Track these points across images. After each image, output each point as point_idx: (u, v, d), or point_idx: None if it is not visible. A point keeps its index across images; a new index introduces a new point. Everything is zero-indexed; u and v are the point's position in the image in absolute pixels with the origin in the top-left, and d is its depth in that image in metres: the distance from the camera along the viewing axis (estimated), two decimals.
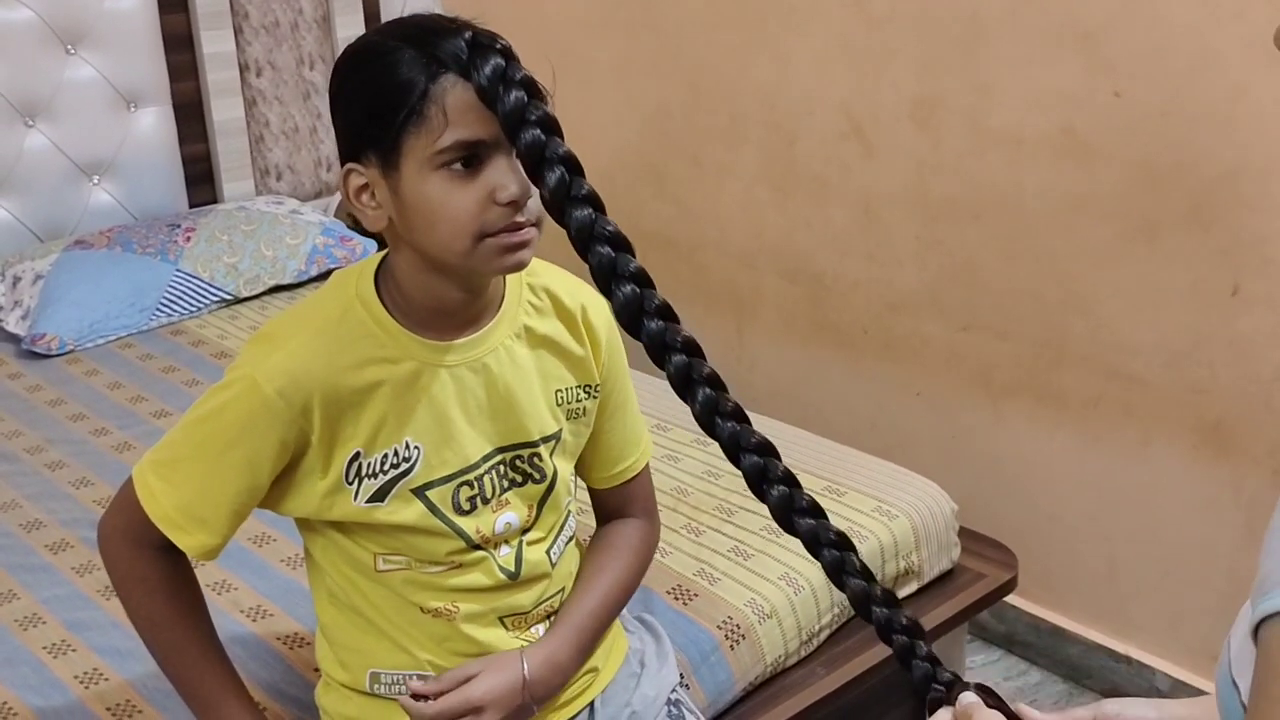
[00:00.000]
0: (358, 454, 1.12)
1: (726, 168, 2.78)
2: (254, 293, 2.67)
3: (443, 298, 1.11)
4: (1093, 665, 2.32)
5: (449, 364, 1.13)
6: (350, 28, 3.08)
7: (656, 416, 2.07)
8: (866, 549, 1.70)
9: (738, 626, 1.54)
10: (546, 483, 1.21)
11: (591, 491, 1.35)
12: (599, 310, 1.23)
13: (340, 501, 1.13)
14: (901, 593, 1.75)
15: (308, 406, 1.08)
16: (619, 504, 1.33)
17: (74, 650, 1.53)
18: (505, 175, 1.03)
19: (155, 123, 2.86)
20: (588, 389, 1.24)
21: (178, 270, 2.60)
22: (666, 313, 0.95)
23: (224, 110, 2.94)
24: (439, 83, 1.00)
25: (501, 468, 1.18)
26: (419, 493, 1.14)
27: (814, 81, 2.55)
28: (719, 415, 0.94)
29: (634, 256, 0.95)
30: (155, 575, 1.17)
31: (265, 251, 2.69)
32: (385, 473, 1.13)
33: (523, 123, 0.94)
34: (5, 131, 2.67)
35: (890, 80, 2.41)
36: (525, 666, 1.18)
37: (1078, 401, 2.25)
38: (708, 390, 0.94)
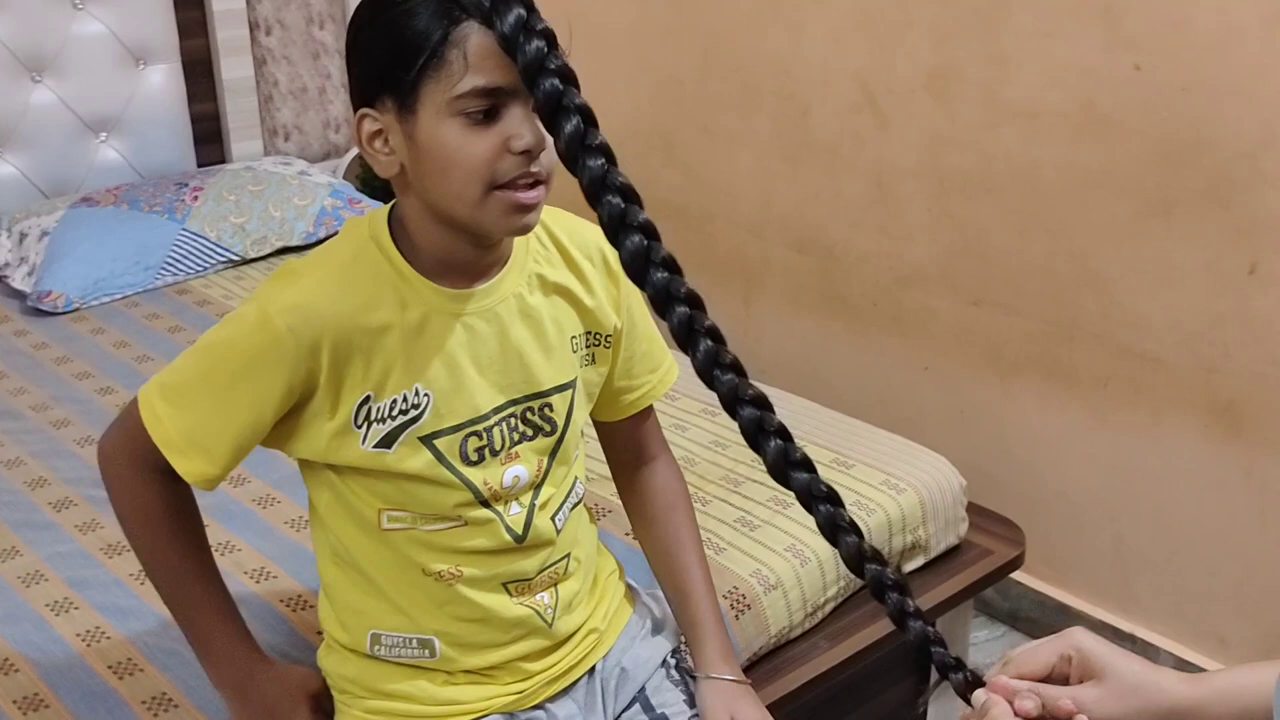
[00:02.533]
0: (368, 398, 1.12)
1: (738, 137, 2.75)
2: (261, 254, 2.65)
3: (452, 249, 1.11)
4: None
5: (460, 312, 1.13)
6: None
7: None
8: (874, 523, 1.69)
9: (743, 597, 1.54)
10: (557, 434, 1.21)
11: (608, 432, 1.35)
12: (609, 259, 1.23)
13: (348, 444, 1.12)
14: (908, 567, 1.74)
15: (316, 345, 1.08)
16: (641, 442, 1.35)
17: (76, 608, 1.52)
18: (521, 124, 1.03)
19: (164, 80, 2.84)
20: (600, 336, 1.24)
21: (184, 229, 2.58)
22: (671, 265, 0.94)
23: (233, 69, 2.92)
24: (460, 28, 1.00)
25: (513, 420, 1.18)
26: (427, 441, 1.13)
27: (829, 51, 2.52)
28: (719, 367, 0.93)
29: (643, 209, 0.94)
30: (155, 498, 1.16)
31: (273, 212, 2.67)
32: (394, 418, 1.12)
33: (542, 70, 0.94)
34: (12, 86, 2.65)
35: (906, 51, 2.38)
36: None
37: (1088, 379, 2.23)
38: (708, 342, 0.93)
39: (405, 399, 1.12)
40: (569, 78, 0.94)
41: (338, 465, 1.15)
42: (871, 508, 1.72)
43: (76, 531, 1.69)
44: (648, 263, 0.93)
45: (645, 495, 1.37)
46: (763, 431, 0.95)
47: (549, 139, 1.02)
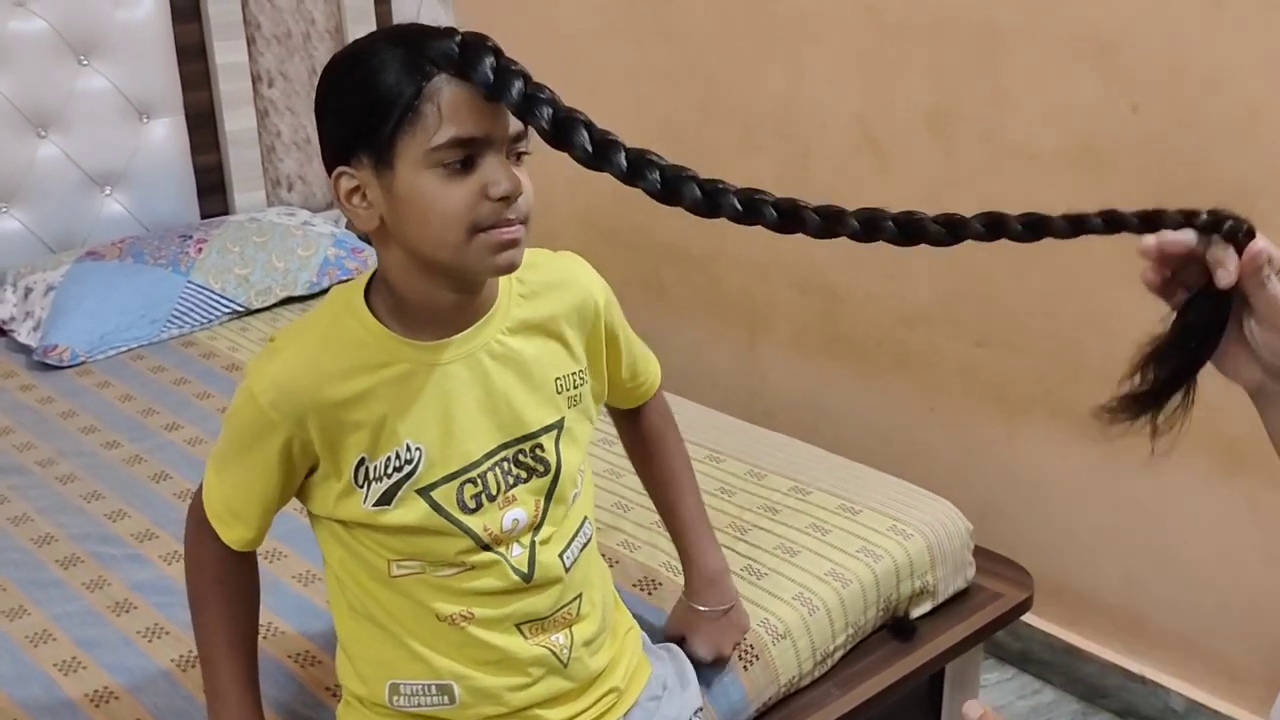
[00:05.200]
0: (363, 459, 1.14)
1: (739, 178, 2.75)
2: (265, 304, 2.66)
3: (435, 299, 1.13)
4: (1108, 684, 2.31)
5: (442, 362, 1.15)
6: None
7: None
8: (882, 569, 1.69)
9: (751, 647, 1.53)
10: (551, 474, 1.21)
11: (618, 417, 1.45)
12: (589, 284, 1.27)
13: (351, 504, 1.15)
14: (916, 612, 1.74)
15: (300, 417, 1.11)
16: (643, 405, 1.43)
17: (84, 668, 1.52)
18: (497, 172, 1.04)
19: (167, 133, 2.86)
20: (583, 373, 1.26)
21: (189, 282, 2.59)
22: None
23: (236, 121, 2.94)
24: (432, 82, 1.02)
25: (505, 464, 1.19)
26: (424, 493, 1.15)
27: (827, 93, 2.54)
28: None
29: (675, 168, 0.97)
30: (207, 554, 1.23)
31: (276, 263, 2.69)
32: (389, 475, 1.14)
33: (533, 101, 0.97)
34: (17, 142, 2.67)
35: (905, 92, 2.39)
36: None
37: (1092, 419, 2.23)
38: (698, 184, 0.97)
39: (398, 455, 1.14)
40: (557, 100, 0.97)
41: (345, 520, 1.17)
42: (879, 554, 1.71)
43: (84, 589, 1.69)
44: (716, 204, 0.96)
45: (638, 428, 1.44)
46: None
47: (526, 184, 1.06)
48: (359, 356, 1.13)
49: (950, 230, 0.96)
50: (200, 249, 2.65)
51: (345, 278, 2.76)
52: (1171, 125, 2.01)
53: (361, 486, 1.14)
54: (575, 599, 1.25)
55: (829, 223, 0.96)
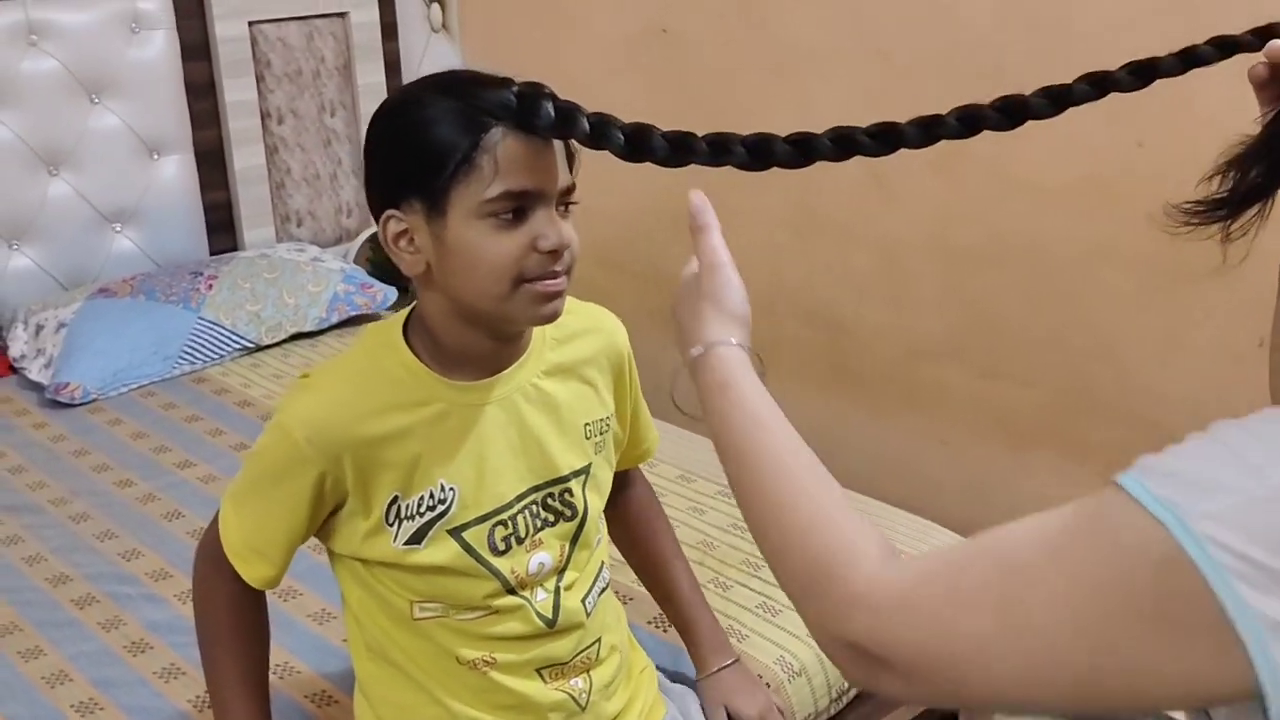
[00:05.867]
0: (396, 497, 1.14)
1: (745, 213, 2.78)
2: (276, 340, 2.67)
3: (473, 344, 1.14)
4: (1120, 715, 2.30)
5: (478, 404, 1.15)
6: (370, 75, 3.11)
7: (679, 467, 2.06)
8: None
9: (768, 685, 1.53)
10: (577, 519, 1.22)
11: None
12: (616, 331, 1.28)
13: (380, 542, 1.15)
14: None
15: (336, 454, 1.11)
16: (625, 475, 1.40)
17: (101, 709, 1.52)
18: (547, 225, 1.06)
19: (177, 170, 2.88)
20: (609, 421, 1.27)
21: (200, 318, 2.60)
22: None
23: (245, 158, 2.96)
24: (489, 135, 1.03)
25: (534, 506, 1.20)
26: (455, 533, 1.16)
27: None
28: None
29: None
30: (222, 593, 1.22)
31: (287, 299, 2.70)
32: (422, 514, 1.15)
33: (606, 128, 0.99)
34: (30, 180, 2.69)
35: None
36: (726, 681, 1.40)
37: (1103, 449, 2.24)
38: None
39: (432, 495, 1.15)
40: (619, 121, 1.00)
41: (368, 560, 1.16)
42: None
43: (100, 630, 1.69)
44: (807, 156, 0.98)
45: (622, 506, 1.41)
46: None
47: (573, 237, 1.08)
48: (397, 394, 1.13)
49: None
50: (211, 285, 2.67)
51: (355, 314, 2.77)
52: (1177, 161, 2.02)
53: (392, 525, 1.14)
54: (594, 643, 1.26)
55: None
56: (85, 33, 2.71)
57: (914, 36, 2.41)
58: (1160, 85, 2.03)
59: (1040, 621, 0.70)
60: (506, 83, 1.06)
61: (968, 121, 1.01)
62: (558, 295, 1.09)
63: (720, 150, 0.98)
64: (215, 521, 1.22)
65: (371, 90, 3.11)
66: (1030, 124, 2.22)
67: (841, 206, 2.58)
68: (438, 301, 1.12)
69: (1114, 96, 2.08)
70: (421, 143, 1.05)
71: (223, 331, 2.61)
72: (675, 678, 1.46)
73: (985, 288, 2.35)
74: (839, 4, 2.52)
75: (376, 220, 1.11)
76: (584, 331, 1.25)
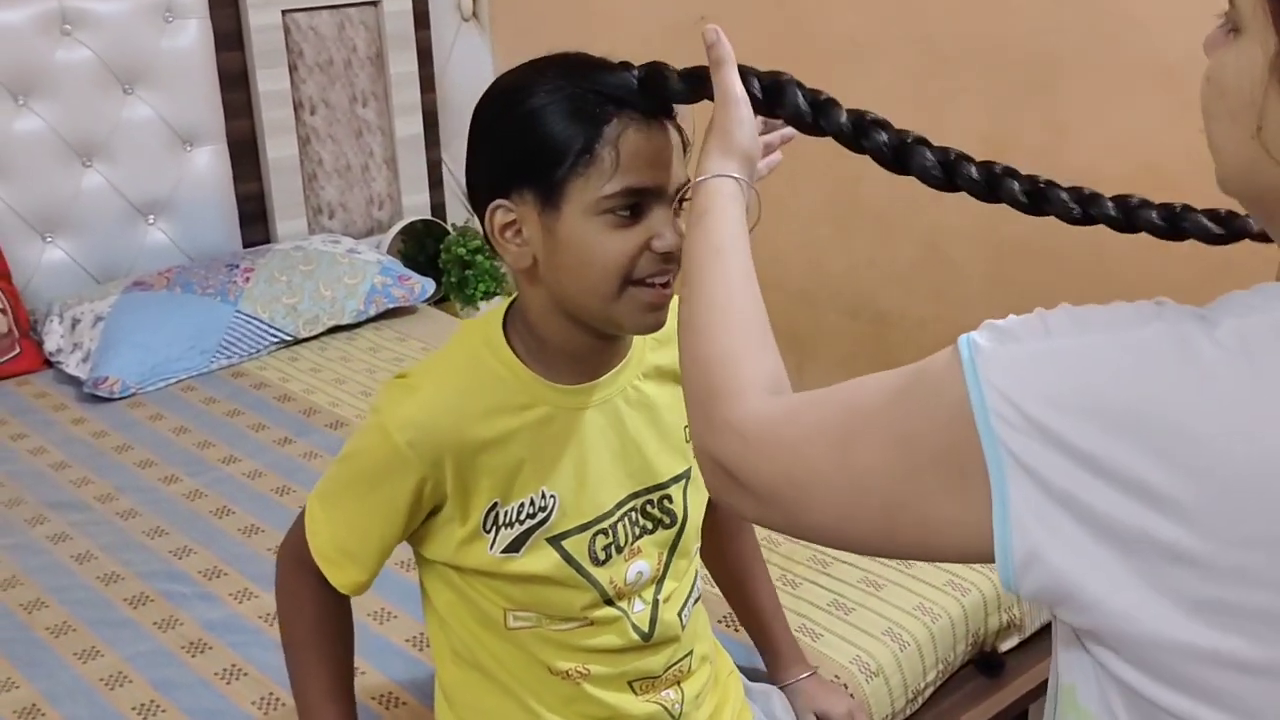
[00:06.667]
0: (495, 504, 1.10)
1: (787, 205, 2.75)
2: (313, 333, 2.64)
3: (576, 342, 1.09)
4: None
5: (581, 407, 1.11)
6: (403, 64, 3.07)
7: None
8: (970, 602, 1.65)
9: (845, 686, 1.50)
10: (676, 526, 1.19)
11: None
12: None
13: (476, 549, 1.11)
14: (1004, 646, 1.71)
15: (438, 458, 1.07)
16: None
17: (164, 711, 1.49)
18: (664, 225, 1.02)
19: (210, 161, 2.84)
20: None
21: (238, 311, 2.57)
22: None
23: (278, 148, 2.93)
24: (611, 126, 0.99)
25: (634, 514, 1.16)
26: (555, 542, 1.12)
27: None
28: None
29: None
30: (307, 597, 1.17)
31: (324, 291, 2.67)
32: (522, 522, 1.11)
33: (830, 107, 1.00)
34: (64, 172, 2.65)
35: (958, 118, 2.38)
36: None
37: None
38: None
39: (533, 502, 1.11)
40: (756, 71, 0.99)
41: (462, 567, 1.13)
42: (966, 587, 1.68)
43: (156, 629, 1.66)
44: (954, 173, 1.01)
45: (712, 526, 1.34)
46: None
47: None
48: (501, 397, 1.09)
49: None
50: (248, 278, 2.64)
51: (392, 305, 2.74)
52: None
53: (489, 532, 1.10)
54: (687, 655, 1.22)
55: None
56: (118, 22, 2.67)
57: (959, 22, 2.38)
58: None
59: (863, 462, 0.75)
60: (625, 66, 1.02)
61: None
62: (664, 304, 1.05)
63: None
64: (299, 524, 1.17)
65: (403, 80, 3.07)
66: (1081, 113, 2.20)
67: (884, 197, 2.55)
68: (540, 297, 1.07)
69: (1173, 81, 2.05)
70: (538, 131, 1.00)
71: (261, 325, 2.58)
72: (755, 676, 1.44)
73: (1036, 280, 2.32)
74: None
75: (474, 209, 1.07)
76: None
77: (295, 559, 1.17)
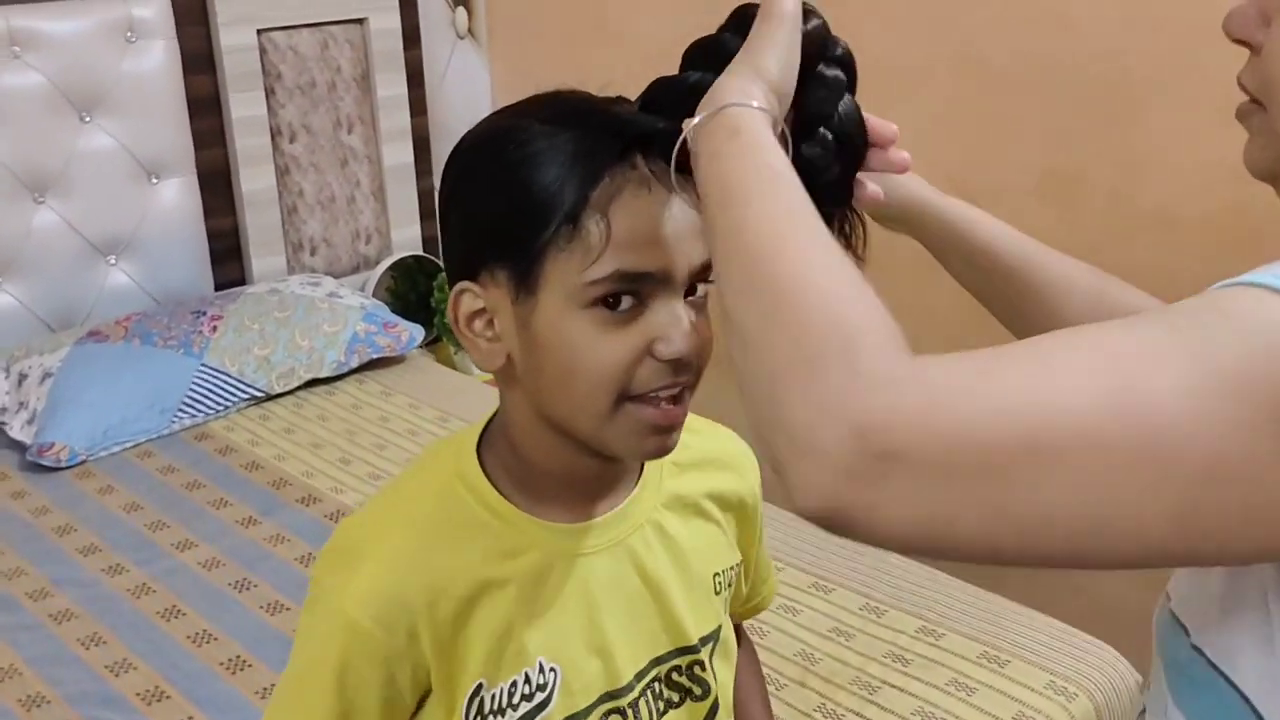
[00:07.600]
0: (479, 687, 0.83)
1: None
2: (288, 388, 2.38)
3: (571, 464, 0.84)
4: None
5: (585, 552, 0.85)
6: (391, 86, 2.81)
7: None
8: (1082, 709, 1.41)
9: None
10: (710, 699, 0.92)
11: None
12: (747, 464, 0.98)
13: None
14: None
15: (414, 632, 0.81)
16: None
17: None
18: (671, 324, 0.76)
19: (178, 195, 2.58)
20: (737, 569, 0.98)
21: (202, 364, 2.31)
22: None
23: (254, 179, 2.67)
24: (603, 185, 0.75)
25: (657, 685, 0.90)
26: None
27: (913, 149, 2.26)
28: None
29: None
30: None
31: (300, 341, 2.41)
32: (515, 706, 0.84)
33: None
34: (12, 209, 2.39)
35: (1011, 150, 2.12)
36: None
37: None
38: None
39: (527, 679, 0.84)
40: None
41: None
42: (1034, 716, 1.42)
43: None
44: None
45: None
46: None
47: (706, 337, 0.79)
48: (481, 544, 0.83)
49: None
50: (215, 327, 2.38)
51: (376, 355, 2.48)
52: None
53: None
54: None
55: None
56: (74, 43, 2.41)
57: (1013, 39, 2.13)
58: None
59: (1158, 419, 0.54)
60: (622, 101, 0.78)
61: None
62: (672, 426, 0.79)
63: None
64: None
65: (392, 103, 2.81)
66: (1161, 149, 1.93)
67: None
68: (522, 408, 0.82)
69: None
70: (511, 191, 0.76)
71: (228, 380, 2.32)
72: None
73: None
74: (917, 4, 2.23)
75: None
76: (712, 460, 0.94)
77: None
